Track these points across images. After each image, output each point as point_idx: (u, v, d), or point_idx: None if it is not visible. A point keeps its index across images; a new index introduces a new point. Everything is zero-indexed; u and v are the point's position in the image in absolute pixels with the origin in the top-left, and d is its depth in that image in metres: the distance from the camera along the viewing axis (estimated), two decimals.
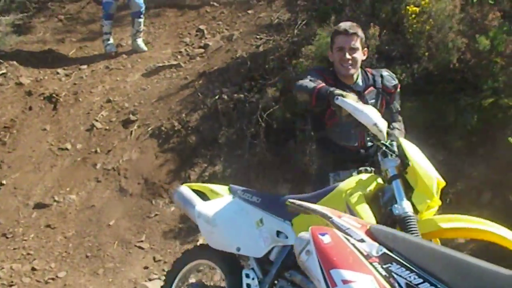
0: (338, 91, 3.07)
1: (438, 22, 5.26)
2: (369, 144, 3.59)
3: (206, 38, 8.01)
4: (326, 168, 3.69)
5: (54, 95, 7.09)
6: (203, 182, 5.73)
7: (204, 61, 7.39)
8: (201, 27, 8.28)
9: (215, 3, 8.90)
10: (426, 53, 5.27)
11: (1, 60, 7.77)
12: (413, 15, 5.28)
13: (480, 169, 4.89)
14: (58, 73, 7.64)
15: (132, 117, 6.62)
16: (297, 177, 5.62)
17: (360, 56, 3.57)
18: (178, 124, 6.38)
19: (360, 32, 3.59)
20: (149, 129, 6.47)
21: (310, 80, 3.35)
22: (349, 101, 2.97)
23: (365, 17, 5.66)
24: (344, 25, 3.61)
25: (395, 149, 2.87)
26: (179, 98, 6.78)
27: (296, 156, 5.69)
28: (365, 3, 5.87)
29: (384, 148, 2.88)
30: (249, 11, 8.31)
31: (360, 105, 2.96)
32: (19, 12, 8.94)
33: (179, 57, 7.71)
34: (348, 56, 3.50)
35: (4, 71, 7.60)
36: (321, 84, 3.26)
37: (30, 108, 6.99)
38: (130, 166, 6.16)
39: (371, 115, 2.89)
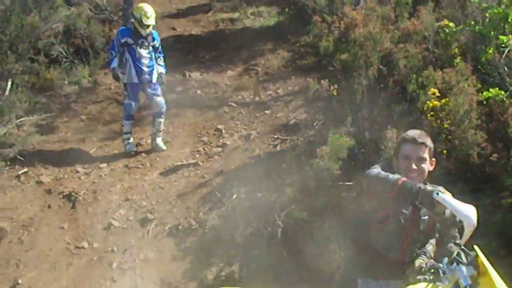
0: (431, 187, 2.99)
1: (457, 118, 5.34)
2: (407, 259, 3.51)
3: (224, 137, 8.16)
4: (355, 272, 3.57)
5: (73, 193, 7.15)
6: (221, 282, 5.66)
7: (222, 160, 7.49)
8: (219, 126, 8.46)
9: (233, 104, 9.14)
10: (445, 151, 5.31)
11: (23, 159, 7.92)
12: (431, 113, 5.37)
13: (501, 273, 4.77)
14: (78, 171, 7.73)
15: (149, 216, 6.63)
16: (315, 278, 5.53)
17: (427, 167, 3.41)
18: (195, 223, 6.38)
19: (429, 142, 3.44)
20: (166, 228, 6.46)
21: (385, 172, 3.25)
22: (449, 198, 2.84)
23: (382, 118, 5.76)
24: (412, 133, 3.47)
25: (463, 256, 2.77)
26: (196, 197, 6.82)
27: (314, 256, 5.63)
28: (381, 104, 5.99)
29: (456, 254, 2.77)
30: (267, 111, 8.50)
31: (460, 203, 2.82)
32: (43, 112, 9.20)
33: (197, 156, 7.82)
34: (414, 166, 3.36)
35: (25, 170, 7.72)
36: (404, 178, 3.14)
37: (49, 207, 7.03)
38: (146, 266, 6.09)
39: (472, 216, 2.75)
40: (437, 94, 5.54)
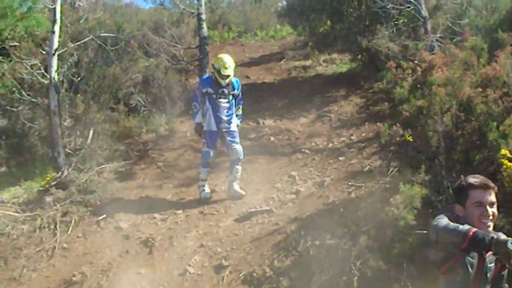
0: (504, 237, 2.94)
1: None
2: None
3: (297, 184, 8.17)
4: None
5: (150, 239, 7.29)
6: None
7: (296, 207, 7.47)
8: (293, 173, 8.49)
9: (306, 151, 9.16)
10: None
11: (103, 205, 8.19)
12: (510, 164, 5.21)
13: None
14: (154, 217, 7.90)
15: (224, 263, 6.65)
16: None
17: (496, 210, 3.38)
18: (269, 270, 6.34)
19: (495, 186, 3.40)
20: (240, 274, 6.45)
21: (453, 223, 3.20)
22: None
23: (460, 165, 5.62)
24: (478, 178, 3.41)
25: None
26: (270, 243, 6.80)
27: None
28: (458, 151, 5.86)
29: None
30: (340, 158, 8.47)
31: None
32: (122, 159, 9.53)
33: (271, 202, 7.84)
34: (489, 211, 3.31)
35: (105, 215, 7.97)
36: (474, 228, 3.08)
37: (127, 252, 7.19)
38: None
39: None
40: (508, 155, 5.33)
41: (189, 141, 10.23)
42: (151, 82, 11.44)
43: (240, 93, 8.40)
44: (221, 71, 8.03)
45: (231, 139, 8.17)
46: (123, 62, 10.70)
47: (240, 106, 8.43)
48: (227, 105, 8.17)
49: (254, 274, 6.37)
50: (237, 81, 8.39)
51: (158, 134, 10.71)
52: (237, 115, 8.38)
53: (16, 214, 8.13)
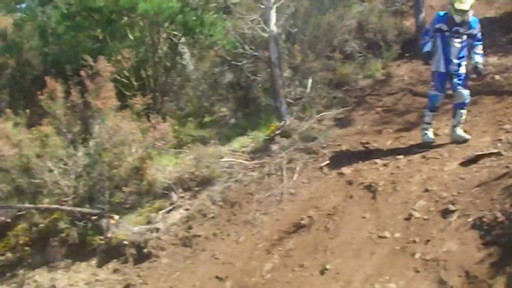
0: None
1: None
2: None
3: None
4: None
5: (373, 184, 7.35)
6: None
7: None
8: None
9: None
10: None
11: (324, 151, 8.44)
12: None
13: None
14: (376, 163, 7.93)
15: (451, 207, 6.47)
16: None
17: None
18: (501, 215, 6.02)
19: None
20: (469, 219, 6.23)
21: None
22: None
23: None
24: None
25: None
26: (501, 187, 6.44)
27: None
28: None
29: None
30: None
31: None
32: (340, 107, 9.69)
33: (499, 145, 7.43)
34: None
35: (327, 161, 8.21)
36: None
37: (351, 197, 7.34)
38: (449, 258, 5.95)
39: None
40: None
41: (407, 85, 10.02)
42: (365, 27, 11.35)
43: (478, 33, 7.70)
44: (455, 4, 7.42)
45: (458, 81, 7.71)
46: (337, 9, 10.73)
47: (479, 46, 7.72)
48: (459, 45, 7.64)
49: (484, 219, 6.10)
50: (475, 20, 7.70)
51: (374, 79, 10.67)
52: (477, 53, 7.72)
53: (246, 162, 8.76)
